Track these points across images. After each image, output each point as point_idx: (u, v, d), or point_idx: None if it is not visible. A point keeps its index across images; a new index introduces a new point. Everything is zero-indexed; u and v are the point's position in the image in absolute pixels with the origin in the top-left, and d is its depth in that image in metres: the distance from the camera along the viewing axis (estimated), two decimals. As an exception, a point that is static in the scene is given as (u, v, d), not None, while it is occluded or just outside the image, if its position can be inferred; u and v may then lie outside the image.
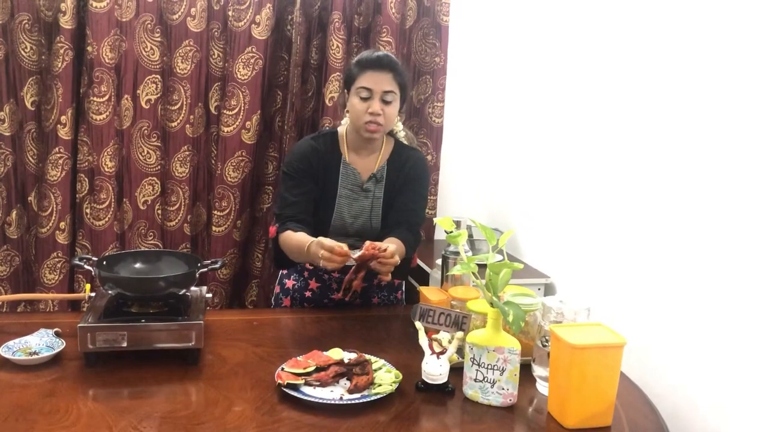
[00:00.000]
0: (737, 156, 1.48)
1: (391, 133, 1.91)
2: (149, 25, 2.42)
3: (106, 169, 2.43)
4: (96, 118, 2.38)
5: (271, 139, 2.63)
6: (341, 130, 1.89)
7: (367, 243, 1.59)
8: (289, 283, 1.93)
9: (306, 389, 1.32)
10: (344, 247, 1.57)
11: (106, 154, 2.41)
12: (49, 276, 2.42)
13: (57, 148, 2.36)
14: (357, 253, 1.58)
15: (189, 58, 2.48)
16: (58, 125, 2.35)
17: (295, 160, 1.82)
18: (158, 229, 2.58)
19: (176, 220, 2.59)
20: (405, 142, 1.92)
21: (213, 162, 2.57)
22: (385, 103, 1.73)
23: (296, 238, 1.71)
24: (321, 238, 1.60)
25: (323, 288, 1.90)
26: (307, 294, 1.90)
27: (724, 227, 1.52)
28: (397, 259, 1.61)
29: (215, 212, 2.57)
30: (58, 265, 2.43)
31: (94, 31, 2.32)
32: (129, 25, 2.39)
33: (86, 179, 2.42)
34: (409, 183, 1.86)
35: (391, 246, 1.60)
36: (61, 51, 2.31)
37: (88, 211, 2.44)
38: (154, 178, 2.54)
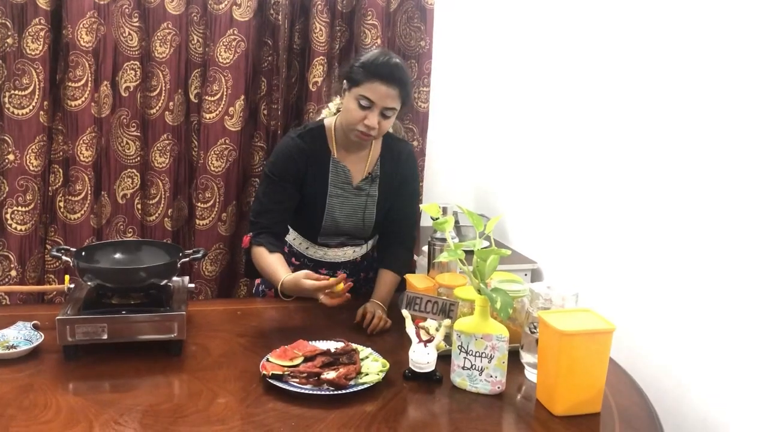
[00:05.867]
0: (720, 141, 1.48)
1: None
2: (127, 10, 2.35)
3: (82, 159, 2.34)
4: (72, 104, 2.30)
5: (257, 128, 2.57)
6: (328, 122, 1.81)
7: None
8: None
9: (291, 379, 1.30)
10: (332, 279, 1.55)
11: (82, 142, 2.33)
12: (32, 275, 2.34)
13: (39, 136, 2.28)
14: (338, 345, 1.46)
15: (168, 41, 2.41)
16: (41, 112, 2.26)
17: (280, 161, 1.73)
18: (138, 225, 2.50)
19: (156, 215, 2.51)
20: (391, 131, 1.86)
21: (194, 152, 2.51)
22: (384, 117, 1.63)
23: (268, 264, 1.65)
24: (300, 278, 1.55)
25: None
26: None
27: (709, 212, 1.51)
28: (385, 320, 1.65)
29: (199, 204, 2.49)
30: (41, 263, 2.36)
31: (70, 13, 2.24)
32: (106, 8, 2.32)
33: (60, 170, 2.33)
34: (405, 184, 1.81)
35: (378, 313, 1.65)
36: (42, 33, 2.23)
37: (61, 204, 2.34)
38: (134, 170, 2.47)
